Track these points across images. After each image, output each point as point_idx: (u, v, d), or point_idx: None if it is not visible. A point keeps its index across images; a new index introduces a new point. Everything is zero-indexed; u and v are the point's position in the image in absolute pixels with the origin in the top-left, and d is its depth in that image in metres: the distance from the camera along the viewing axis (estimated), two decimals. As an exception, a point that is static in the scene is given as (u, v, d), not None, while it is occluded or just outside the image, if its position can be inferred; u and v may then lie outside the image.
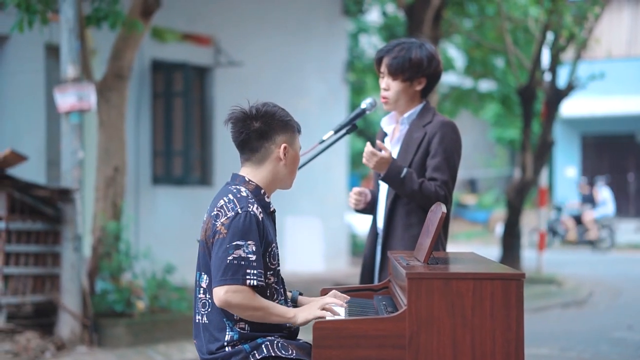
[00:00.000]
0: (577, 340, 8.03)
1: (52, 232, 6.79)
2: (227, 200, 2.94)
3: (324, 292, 3.43)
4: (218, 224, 2.90)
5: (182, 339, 7.27)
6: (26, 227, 6.65)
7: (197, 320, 3.01)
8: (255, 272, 2.86)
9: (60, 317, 6.68)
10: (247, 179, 3.03)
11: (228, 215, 2.89)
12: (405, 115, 3.70)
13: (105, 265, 7.13)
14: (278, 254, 3.06)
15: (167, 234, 10.25)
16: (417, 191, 3.51)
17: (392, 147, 3.75)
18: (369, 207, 3.87)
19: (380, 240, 3.73)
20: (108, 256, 7.18)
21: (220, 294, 2.85)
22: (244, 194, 2.96)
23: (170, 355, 6.95)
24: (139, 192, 10.14)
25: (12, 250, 6.57)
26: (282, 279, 3.13)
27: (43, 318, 6.78)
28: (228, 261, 2.84)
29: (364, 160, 3.60)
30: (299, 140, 3.12)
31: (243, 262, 2.84)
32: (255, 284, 2.85)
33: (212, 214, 2.95)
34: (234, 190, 2.97)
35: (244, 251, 2.85)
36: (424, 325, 2.66)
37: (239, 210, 2.90)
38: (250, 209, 2.91)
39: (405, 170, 3.53)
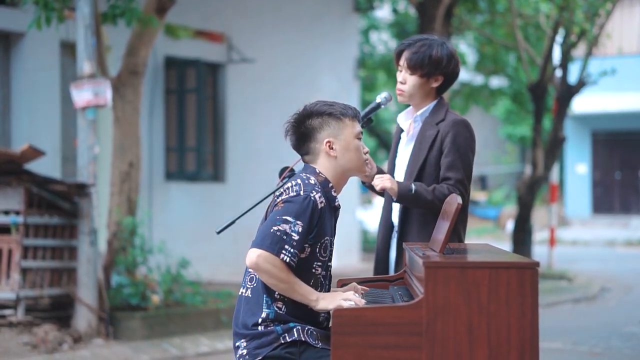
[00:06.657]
0: (588, 335, 8.06)
1: (69, 226, 6.88)
2: (293, 184, 3.03)
3: (341, 283, 3.48)
4: (279, 200, 3.01)
5: (196, 333, 7.34)
6: (43, 222, 6.74)
7: (240, 293, 3.10)
8: (292, 250, 2.92)
9: (77, 310, 6.77)
10: (318, 171, 3.11)
11: (290, 194, 2.99)
12: (419, 112, 3.71)
13: (121, 259, 7.20)
14: (332, 250, 3.11)
15: (180, 230, 10.31)
16: (431, 201, 3.50)
17: (406, 144, 3.75)
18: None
19: (395, 235, 3.76)
20: (123, 250, 7.26)
21: (253, 256, 2.91)
22: (312, 182, 3.04)
23: (185, 349, 7.02)
24: (152, 188, 10.21)
25: (30, 244, 6.67)
26: (330, 275, 3.17)
27: (60, 311, 6.87)
28: (272, 230, 2.92)
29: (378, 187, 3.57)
30: (355, 125, 3.12)
31: (285, 237, 2.91)
32: (287, 260, 2.91)
33: (277, 193, 3.05)
34: (304, 177, 3.06)
35: (290, 228, 2.92)
36: (440, 312, 2.71)
37: (302, 192, 2.99)
38: (312, 195, 2.99)
39: (413, 185, 3.52)
